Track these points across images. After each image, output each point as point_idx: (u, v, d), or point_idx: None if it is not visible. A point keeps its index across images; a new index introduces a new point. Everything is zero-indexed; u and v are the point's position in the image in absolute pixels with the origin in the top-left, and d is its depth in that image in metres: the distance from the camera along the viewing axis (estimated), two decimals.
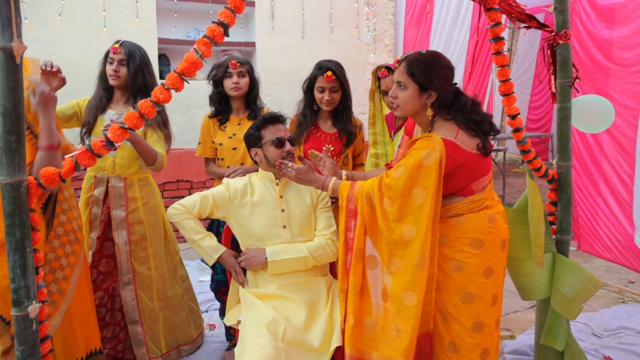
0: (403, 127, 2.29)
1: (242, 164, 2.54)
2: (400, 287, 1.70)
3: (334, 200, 2.36)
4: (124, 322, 2.44)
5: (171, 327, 2.55)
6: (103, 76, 2.39)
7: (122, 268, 2.37)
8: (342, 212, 1.82)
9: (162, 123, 2.44)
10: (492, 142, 1.95)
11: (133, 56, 2.34)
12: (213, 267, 2.59)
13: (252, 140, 2.11)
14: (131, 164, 2.40)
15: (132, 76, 2.34)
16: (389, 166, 2.17)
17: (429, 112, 1.81)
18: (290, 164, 1.94)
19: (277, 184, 2.09)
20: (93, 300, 2.08)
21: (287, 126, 2.22)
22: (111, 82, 2.35)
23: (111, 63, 2.34)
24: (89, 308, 1.93)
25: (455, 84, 1.84)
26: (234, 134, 2.55)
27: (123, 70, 2.34)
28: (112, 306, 2.44)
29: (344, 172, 2.10)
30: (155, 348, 2.47)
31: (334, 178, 1.91)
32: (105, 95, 2.40)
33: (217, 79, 2.54)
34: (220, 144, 2.56)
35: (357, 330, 1.76)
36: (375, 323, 1.76)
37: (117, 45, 2.32)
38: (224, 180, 2.12)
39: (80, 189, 2.50)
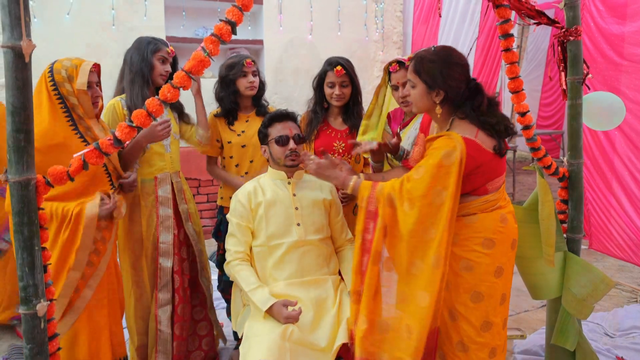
0: (412, 123, 2.27)
1: (251, 161, 2.54)
2: (417, 287, 1.67)
3: (344, 200, 2.35)
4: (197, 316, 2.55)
5: None
6: (150, 71, 2.26)
7: (199, 256, 2.45)
8: (361, 212, 1.76)
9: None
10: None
11: (175, 59, 2.38)
12: (220, 267, 2.60)
13: (261, 137, 2.12)
14: (178, 158, 2.47)
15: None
16: (405, 164, 2.13)
17: (438, 110, 1.76)
18: (312, 156, 1.90)
19: (289, 183, 2.07)
20: (117, 316, 2.00)
21: (298, 123, 2.20)
22: (161, 81, 2.29)
23: (164, 62, 2.30)
24: (101, 326, 1.84)
25: (474, 79, 1.78)
26: (243, 132, 2.55)
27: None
28: (188, 300, 2.44)
29: (362, 175, 2.00)
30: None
31: (355, 177, 1.85)
32: (148, 95, 2.23)
33: (232, 78, 2.50)
34: (229, 142, 2.55)
35: (369, 332, 1.73)
36: (387, 324, 1.73)
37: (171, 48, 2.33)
38: (233, 195, 2.11)
39: None
